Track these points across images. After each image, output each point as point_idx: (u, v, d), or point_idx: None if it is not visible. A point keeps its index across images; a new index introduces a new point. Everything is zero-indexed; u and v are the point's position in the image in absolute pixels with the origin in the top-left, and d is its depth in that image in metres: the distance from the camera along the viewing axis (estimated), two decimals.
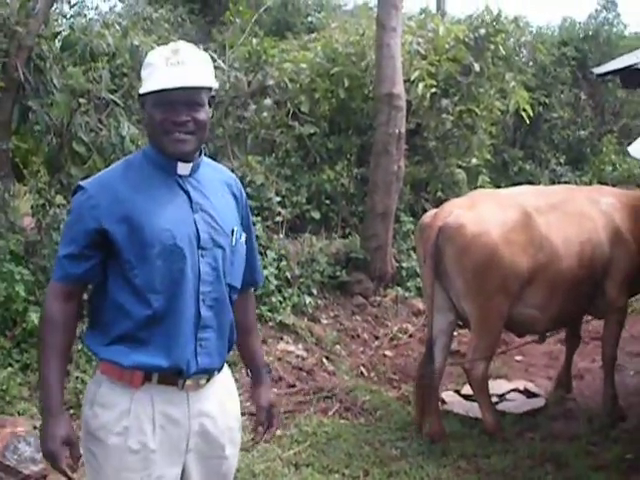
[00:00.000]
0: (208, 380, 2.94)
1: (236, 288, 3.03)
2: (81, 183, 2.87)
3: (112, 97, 7.72)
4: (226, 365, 3.04)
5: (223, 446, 3.01)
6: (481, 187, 10.27)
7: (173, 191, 2.86)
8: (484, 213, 5.55)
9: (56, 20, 9.06)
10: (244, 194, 3.16)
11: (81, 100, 7.18)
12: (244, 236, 3.05)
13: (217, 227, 2.90)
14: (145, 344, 2.79)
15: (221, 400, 3.02)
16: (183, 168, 2.87)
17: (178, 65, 2.76)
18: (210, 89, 2.88)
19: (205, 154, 3.00)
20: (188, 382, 2.87)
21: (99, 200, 2.76)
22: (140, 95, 2.84)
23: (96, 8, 15.81)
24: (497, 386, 6.55)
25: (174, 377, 2.84)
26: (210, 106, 2.90)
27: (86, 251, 2.78)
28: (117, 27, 8.91)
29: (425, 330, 7.95)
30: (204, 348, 2.87)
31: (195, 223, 2.84)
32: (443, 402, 6.30)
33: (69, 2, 9.79)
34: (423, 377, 5.71)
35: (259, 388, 3.28)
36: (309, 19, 16.73)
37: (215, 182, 3.01)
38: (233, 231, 2.97)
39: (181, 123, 2.77)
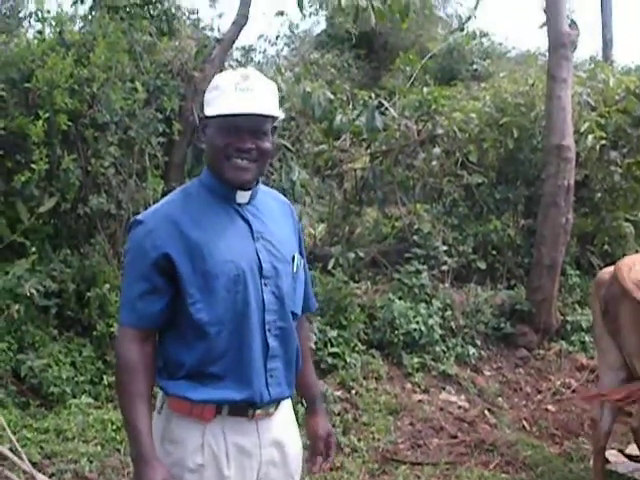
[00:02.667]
0: (276, 408, 2.90)
1: (297, 315, 2.98)
2: (138, 217, 2.81)
3: (283, 142, 7.93)
4: None
5: (292, 474, 2.99)
6: None
7: (233, 220, 2.81)
8: None
9: (231, 65, 9.35)
10: (297, 218, 3.13)
11: None
12: (302, 262, 3.01)
13: (278, 255, 2.85)
14: (215, 378, 2.74)
15: (288, 427, 3.00)
16: (242, 196, 2.83)
17: (247, 91, 2.70)
18: (275, 119, 2.82)
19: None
20: (258, 412, 2.82)
21: (160, 232, 2.71)
22: (203, 118, 2.81)
23: (264, 52, 16.17)
24: None
25: (245, 408, 2.80)
26: (272, 136, 2.84)
27: (159, 284, 2.71)
28: (289, 73, 9.13)
29: (589, 386, 7.87)
30: (274, 378, 2.83)
31: (257, 252, 2.79)
32: (607, 461, 6.16)
33: (244, 48, 10.08)
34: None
35: (316, 417, 3.20)
36: (474, 67, 16.75)
37: (273, 208, 2.97)
38: (294, 258, 2.93)
39: (245, 150, 2.71)
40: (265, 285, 2.80)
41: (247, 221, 2.83)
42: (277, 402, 2.90)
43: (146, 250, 2.71)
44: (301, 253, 3.06)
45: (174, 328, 2.77)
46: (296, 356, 2.96)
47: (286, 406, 3.02)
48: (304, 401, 3.25)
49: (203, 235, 2.72)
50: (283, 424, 2.97)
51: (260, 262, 2.80)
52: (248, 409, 2.81)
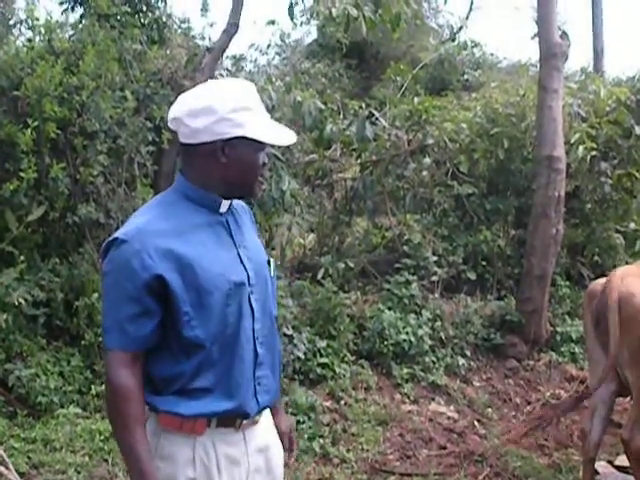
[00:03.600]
0: (261, 415, 2.90)
1: (276, 317, 3.00)
2: (120, 236, 2.64)
3: (273, 151, 7.90)
4: None
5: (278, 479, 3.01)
6: (639, 253, 10.06)
7: (217, 231, 2.78)
8: None
9: (221, 75, 9.33)
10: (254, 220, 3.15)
11: None
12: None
13: (258, 261, 2.86)
14: (205, 391, 2.70)
15: (269, 432, 3.01)
16: (224, 206, 2.81)
17: (271, 118, 2.82)
18: None
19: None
20: (245, 421, 2.80)
21: (148, 251, 2.59)
22: (232, 139, 2.67)
23: (254, 61, 16.17)
24: None
25: (234, 419, 2.78)
26: None
27: (151, 305, 2.61)
28: (280, 82, 9.11)
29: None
30: (262, 386, 2.82)
31: (242, 261, 2.78)
32: (596, 473, 6.13)
33: (235, 56, 10.05)
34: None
35: (278, 415, 3.19)
36: (465, 77, 16.77)
37: (241, 214, 2.95)
38: (269, 262, 2.95)
39: (266, 164, 2.82)
40: (252, 293, 2.79)
41: (229, 231, 2.82)
42: (263, 409, 2.90)
43: (134, 271, 2.58)
44: None
45: (164, 346, 2.69)
46: (279, 360, 2.98)
47: (267, 411, 3.01)
48: None
49: (191, 250, 2.66)
50: (265, 430, 2.97)
51: (247, 271, 2.78)
52: (236, 419, 2.78)
